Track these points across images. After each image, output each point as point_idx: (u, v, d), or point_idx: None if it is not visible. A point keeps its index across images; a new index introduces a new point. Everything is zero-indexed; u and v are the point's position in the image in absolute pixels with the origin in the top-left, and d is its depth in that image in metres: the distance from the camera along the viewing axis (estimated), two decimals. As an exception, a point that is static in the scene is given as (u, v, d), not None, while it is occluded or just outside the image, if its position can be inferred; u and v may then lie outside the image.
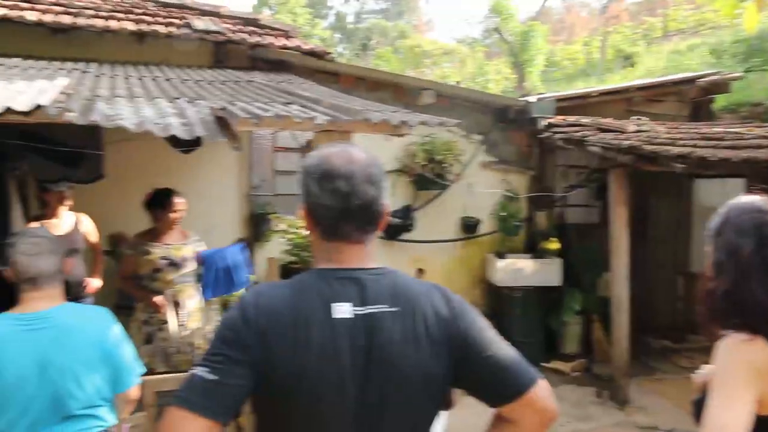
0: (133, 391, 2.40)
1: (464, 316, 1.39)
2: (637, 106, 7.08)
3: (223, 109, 2.65)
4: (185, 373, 3.54)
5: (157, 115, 2.58)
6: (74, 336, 2.22)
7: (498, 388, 1.37)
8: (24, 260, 2.23)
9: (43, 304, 2.24)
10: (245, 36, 5.83)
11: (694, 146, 5.30)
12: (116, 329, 2.36)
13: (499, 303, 6.43)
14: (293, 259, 3.65)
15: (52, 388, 2.17)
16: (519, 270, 6.33)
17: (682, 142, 5.42)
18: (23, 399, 2.14)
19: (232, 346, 1.27)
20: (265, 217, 6.00)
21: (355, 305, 1.30)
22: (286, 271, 3.68)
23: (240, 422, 3.45)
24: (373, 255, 1.40)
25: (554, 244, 6.44)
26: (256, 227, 6.05)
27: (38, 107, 2.33)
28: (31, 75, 3.96)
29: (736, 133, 6.14)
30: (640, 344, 6.28)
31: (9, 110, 2.30)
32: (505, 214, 6.64)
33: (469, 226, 6.67)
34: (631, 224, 5.60)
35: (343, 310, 1.29)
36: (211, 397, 1.23)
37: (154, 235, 4.31)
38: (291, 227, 3.67)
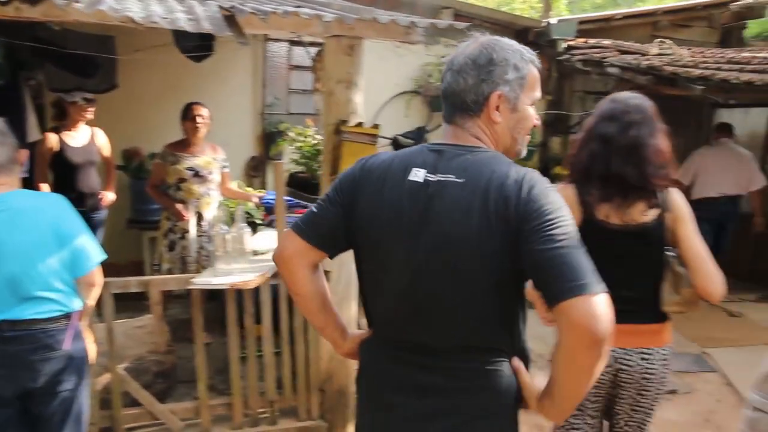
0: (93, 276, 2.43)
1: (533, 202, 1.35)
2: (663, 31, 6.87)
3: (233, 7, 2.62)
4: (188, 275, 3.60)
5: (166, 10, 2.56)
6: (28, 217, 2.29)
7: (544, 288, 1.32)
8: None
9: None
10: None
11: (717, 69, 5.16)
12: (73, 215, 2.41)
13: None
14: (301, 168, 3.67)
15: (7, 268, 2.24)
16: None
17: (705, 65, 5.28)
18: None
19: (334, 191, 1.57)
20: (278, 135, 6.02)
21: (429, 172, 1.44)
22: (294, 179, 3.71)
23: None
24: (469, 137, 1.51)
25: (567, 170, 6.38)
26: (269, 146, 6.08)
27: (44, -4, 2.33)
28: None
29: (765, 58, 5.95)
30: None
31: (15, -1, 2.29)
32: (519, 138, 6.55)
33: (483, 150, 6.62)
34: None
35: (417, 174, 1.45)
36: (310, 225, 1.57)
37: (183, 146, 4.41)
38: (300, 135, 3.67)
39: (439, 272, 1.41)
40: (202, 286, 3.23)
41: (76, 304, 2.41)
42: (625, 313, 2.02)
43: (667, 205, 2.21)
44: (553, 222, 1.33)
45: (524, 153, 1.58)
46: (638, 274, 2.25)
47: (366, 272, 1.58)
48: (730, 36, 7.26)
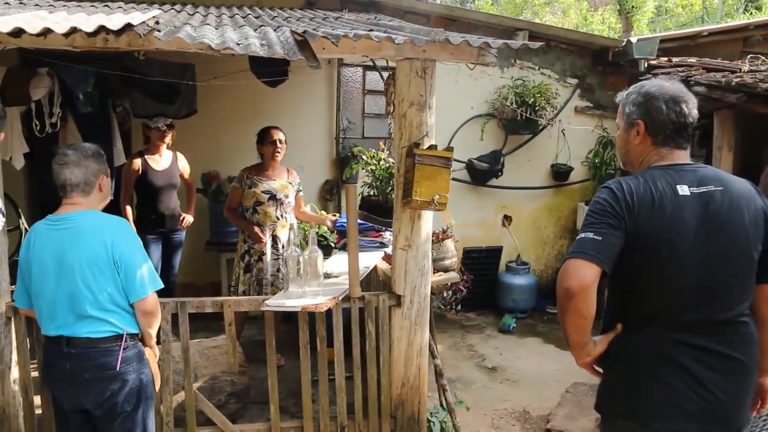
0: (146, 303, 2.44)
1: None
2: (755, 47, 6.47)
3: (305, 32, 2.64)
4: (261, 296, 3.61)
5: (240, 37, 2.62)
6: (87, 237, 2.37)
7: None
8: (55, 169, 2.44)
9: (71, 209, 2.43)
10: (338, -24, 5.79)
11: (818, 86, 4.80)
12: (131, 240, 2.46)
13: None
14: (373, 192, 3.67)
15: (68, 285, 2.34)
16: (612, 220, 6.07)
17: (803, 81, 4.93)
18: (48, 293, 2.37)
19: (610, 217, 1.81)
20: (352, 159, 6.04)
21: (691, 186, 1.84)
22: (367, 203, 3.71)
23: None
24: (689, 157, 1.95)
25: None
26: (343, 169, 6.12)
27: (128, 26, 2.42)
28: (130, 11, 4.11)
29: None
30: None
31: (102, 28, 2.40)
32: (598, 161, 6.35)
33: (560, 174, 6.45)
34: (738, 174, 5.19)
35: (684, 189, 1.84)
36: (603, 252, 1.78)
37: (260, 169, 4.52)
38: (372, 158, 3.67)
39: (727, 258, 1.82)
40: (275, 308, 3.24)
41: (130, 328, 2.45)
42: None
43: None
44: None
45: None
46: None
47: (644, 274, 1.84)
48: (832, 50, 6.78)
